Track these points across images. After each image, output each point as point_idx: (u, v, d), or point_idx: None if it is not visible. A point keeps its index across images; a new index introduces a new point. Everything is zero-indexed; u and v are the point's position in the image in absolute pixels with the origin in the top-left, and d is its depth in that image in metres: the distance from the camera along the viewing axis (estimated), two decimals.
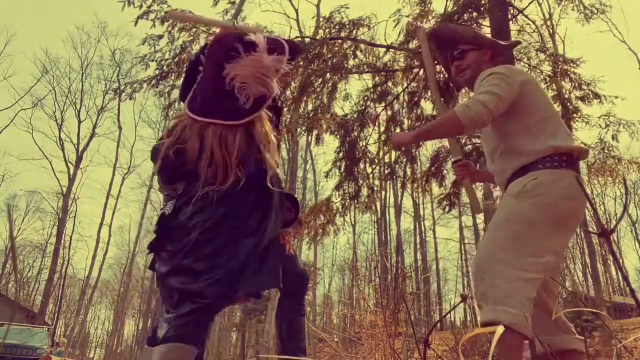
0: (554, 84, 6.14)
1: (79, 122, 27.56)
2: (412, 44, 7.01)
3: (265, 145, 1.71)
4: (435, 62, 2.36)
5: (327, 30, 7.05)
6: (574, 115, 6.18)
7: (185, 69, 1.95)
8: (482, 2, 6.18)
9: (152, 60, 7.24)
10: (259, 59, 1.69)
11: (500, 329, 0.87)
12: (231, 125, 1.68)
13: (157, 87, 7.15)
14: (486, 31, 5.78)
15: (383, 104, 7.30)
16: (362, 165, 7.38)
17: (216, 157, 1.63)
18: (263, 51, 1.71)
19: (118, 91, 7.93)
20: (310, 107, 7.67)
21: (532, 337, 1.58)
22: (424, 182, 7.36)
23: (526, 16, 7.03)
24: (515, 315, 1.50)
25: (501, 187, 1.95)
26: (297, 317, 2.17)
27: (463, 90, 7.08)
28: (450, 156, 2.16)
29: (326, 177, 7.43)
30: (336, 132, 7.41)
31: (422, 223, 26.72)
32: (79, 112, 27.80)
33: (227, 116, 1.69)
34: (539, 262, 1.63)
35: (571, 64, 6.23)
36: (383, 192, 21.75)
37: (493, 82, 1.82)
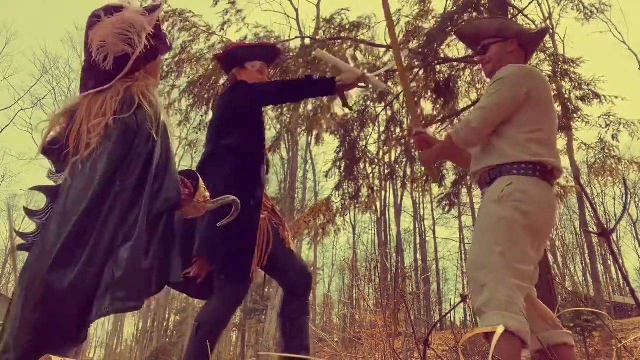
0: (554, 84, 6.14)
1: None
2: (412, 44, 7.02)
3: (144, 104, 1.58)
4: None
5: (327, 31, 7.06)
6: (574, 115, 6.17)
7: None
8: (482, 2, 6.18)
9: None
10: (120, 17, 1.57)
11: (500, 330, 0.87)
12: (101, 92, 1.58)
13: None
14: None
15: (383, 104, 7.30)
16: (362, 165, 7.38)
17: (82, 128, 1.53)
18: (127, 11, 1.59)
19: None
20: (310, 107, 7.68)
21: (530, 345, 1.60)
22: (424, 182, 7.36)
23: (526, 16, 7.03)
24: (519, 322, 1.53)
25: (474, 176, 1.97)
26: (301, 317, 2.14)
27: (463, 90, 7.09)
28: (413, 129, 2.15)
29: (326, 177, 7.43)
30: (336, 132, 7.41)
31: (422, 223, 26.73)
32: None
33: (98, 84, 1.59)
34: (527, 270, 1.67)
35: (571, 64, 6.23)
36: (383, 192, 21.75)
37: (491, 91, 1.84)
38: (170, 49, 1.88)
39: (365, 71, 2.26)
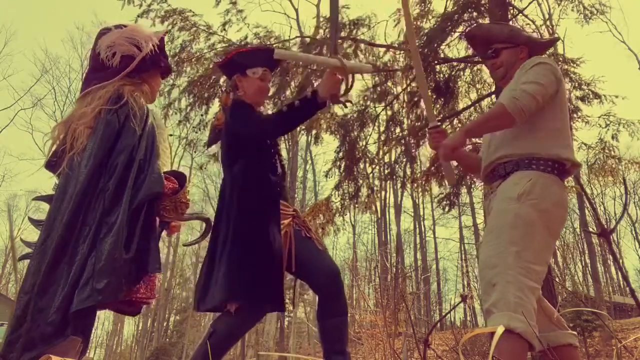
0: None
1: None
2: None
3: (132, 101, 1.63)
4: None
5: (327, 31, 7.05)
6: (574, 115, 6.17)
7: None
8: (482, 2, 6.18)
9: None
10: (128, 28, 1.73)
11: (500, 330, 0.87)
12: (100, 87, 1.65)
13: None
14: None
15: (383, 104, 7.30)
16: (362, 165, 7.38)
17: (76, 121, 1.60)
18: (135, 25, 1.78)
19: None
20: None
21: (537, 347, 1.57)
22: (424, 182, 7.36)
23: (526, 16, 7.03)
24: (526, 324, 1.50)
25: (486, 168, 1.92)
26: (331, 318, 2.02)
27: (463, 90, 7.09)
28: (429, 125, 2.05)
29: (326, 177, 7.43)
30: (336, 132, 7.41)
31: (422, 223, 26.73)
32: None
33: (100, 82, 1.67)
34: (541, 270, 1.65)
35: (571, 64, 6.23)
36: (383, 192, 21.74)
37: (540, 72, 1.80)
38: (170, 71, 1.99)
39: (341, 57, 2.05)
